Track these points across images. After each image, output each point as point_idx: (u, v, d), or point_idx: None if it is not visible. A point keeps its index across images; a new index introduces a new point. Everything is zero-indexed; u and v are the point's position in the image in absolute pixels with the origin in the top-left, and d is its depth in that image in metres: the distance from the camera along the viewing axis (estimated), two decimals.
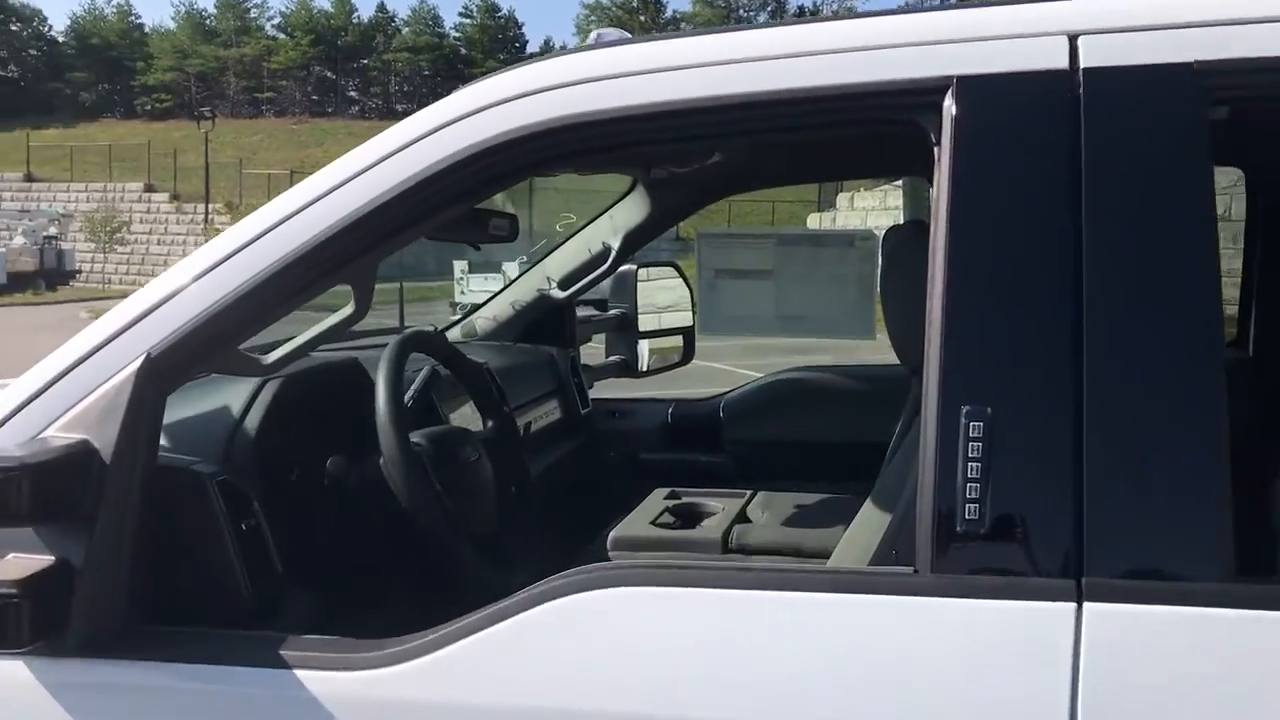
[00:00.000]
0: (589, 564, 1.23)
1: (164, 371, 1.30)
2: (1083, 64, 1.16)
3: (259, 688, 1.21)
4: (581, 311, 3.17)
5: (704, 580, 1.17)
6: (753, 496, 2.44)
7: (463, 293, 18.46)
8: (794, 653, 1.11)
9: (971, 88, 1.17)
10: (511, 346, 2.95)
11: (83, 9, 78.05)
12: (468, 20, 79.07)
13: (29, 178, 43.87)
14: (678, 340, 3.27)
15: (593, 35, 1.45)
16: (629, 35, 1.45)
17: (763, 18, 65.22)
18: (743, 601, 1.14)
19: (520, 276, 3.11)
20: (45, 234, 35.28)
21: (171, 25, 77.69)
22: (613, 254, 2.86)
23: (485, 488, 1.92)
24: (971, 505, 1.09)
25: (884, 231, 1.91)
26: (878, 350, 1.78)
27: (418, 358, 2.09)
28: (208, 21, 77.03)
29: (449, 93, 1.37)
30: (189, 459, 1.49)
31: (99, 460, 1.25)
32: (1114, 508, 1.08)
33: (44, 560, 1.23)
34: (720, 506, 2.37)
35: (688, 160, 2.48)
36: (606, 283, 3.11)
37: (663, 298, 3.26)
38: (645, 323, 3.18)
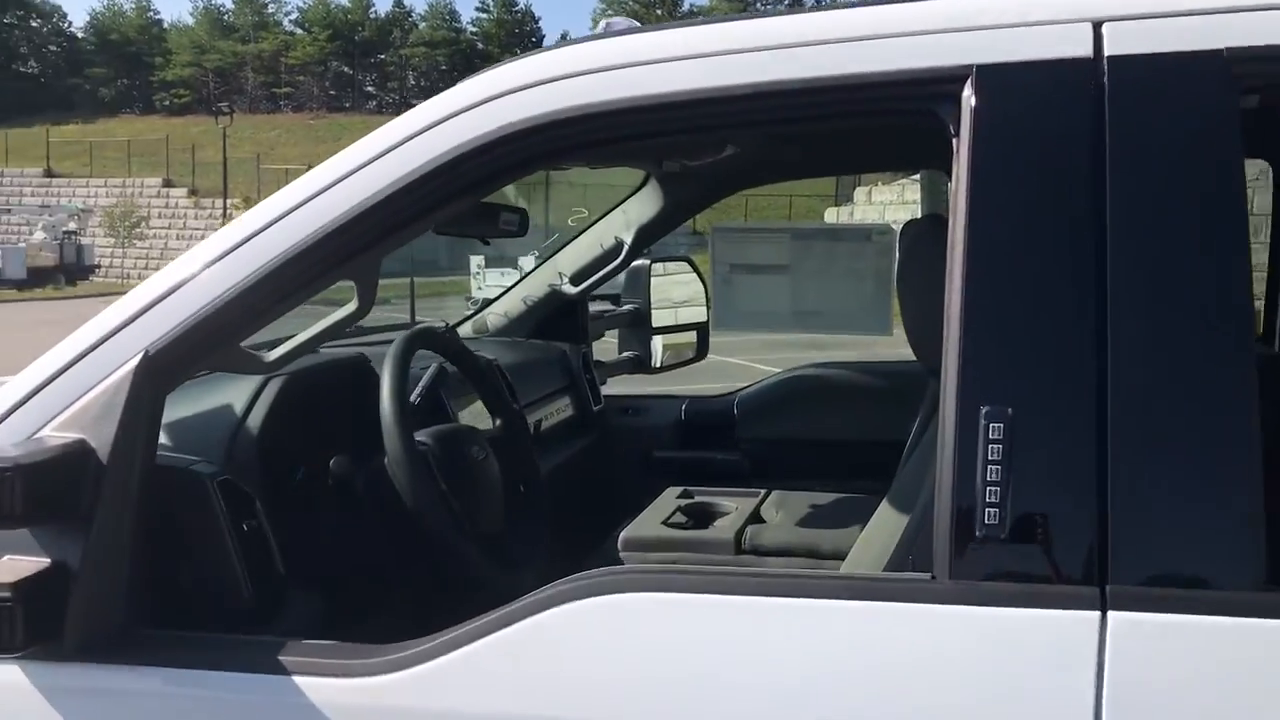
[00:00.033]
0: (599, 565, 1.20)
1: (162, 369, 1.27)
2: (1108, 51, 1.11)
3: (256, 694, 1.19)
4: (595, 307, 3.14)
5: (715, 586, 1.13)
6: (767, 496, 2.41)
7: (479, 288, 18.45)
8: (807, 661, 1.08)
9: (991, 77, 1.13)
10: (523, 343, 2.92)
11: (102, 5, 78.62)
12: (484, 15, 79.22)
13: (49, 173, 44.21)
14: (692, 336, 3.24)
15: (602, 24, 1.41)
16: (638, 24, 1.41)
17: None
18: (754, 608, 1.11)
19: (532, 272, 3.08)
20: (65, 229, 35.52)
21: (190, 21, 78.27)
22: (625, 249, 2.82)
23: (493, 487, 1.88)
24: (991, 509, 1.05)
25: (901, 226, 1.87)
26: (900, 345, 1.74)
27: (427, 354, 2.06)
28: (226, 17, 77.42)
29: None
30: (189, 458, 1.47)
31: (96, 460, 1.23)
32: (1140, 512, 1.04)
33: (39, 562, 1.21)
34: (734, 506, 2.34)
35: (700, 153, 2.44)
36: (620, 278, 3.07)
37: (677, 293, 3.22)
38: (659, 318, 3.15)
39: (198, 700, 1.20)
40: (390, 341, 1.91)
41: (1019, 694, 1.03)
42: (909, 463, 1.80)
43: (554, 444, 2.67)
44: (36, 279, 31.30)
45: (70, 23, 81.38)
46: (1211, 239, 1.07)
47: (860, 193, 26.54)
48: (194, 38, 74.12)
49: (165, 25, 78.65)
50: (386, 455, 1.70)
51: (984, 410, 1.06)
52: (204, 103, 63.55)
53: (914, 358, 1.72)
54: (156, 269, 1.44)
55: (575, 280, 2.90)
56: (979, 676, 1.04)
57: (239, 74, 71.62)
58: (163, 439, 1.53)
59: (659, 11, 69.64)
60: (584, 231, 2.98)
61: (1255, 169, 2.44)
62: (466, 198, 1.35)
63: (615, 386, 3.18)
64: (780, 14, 1.27)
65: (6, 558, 1.22)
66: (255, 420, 1.70)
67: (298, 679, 1.17)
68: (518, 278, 3.21)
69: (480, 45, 76.54)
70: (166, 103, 68.44)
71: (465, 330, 3.01)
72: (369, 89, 77.44)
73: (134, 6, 78.34)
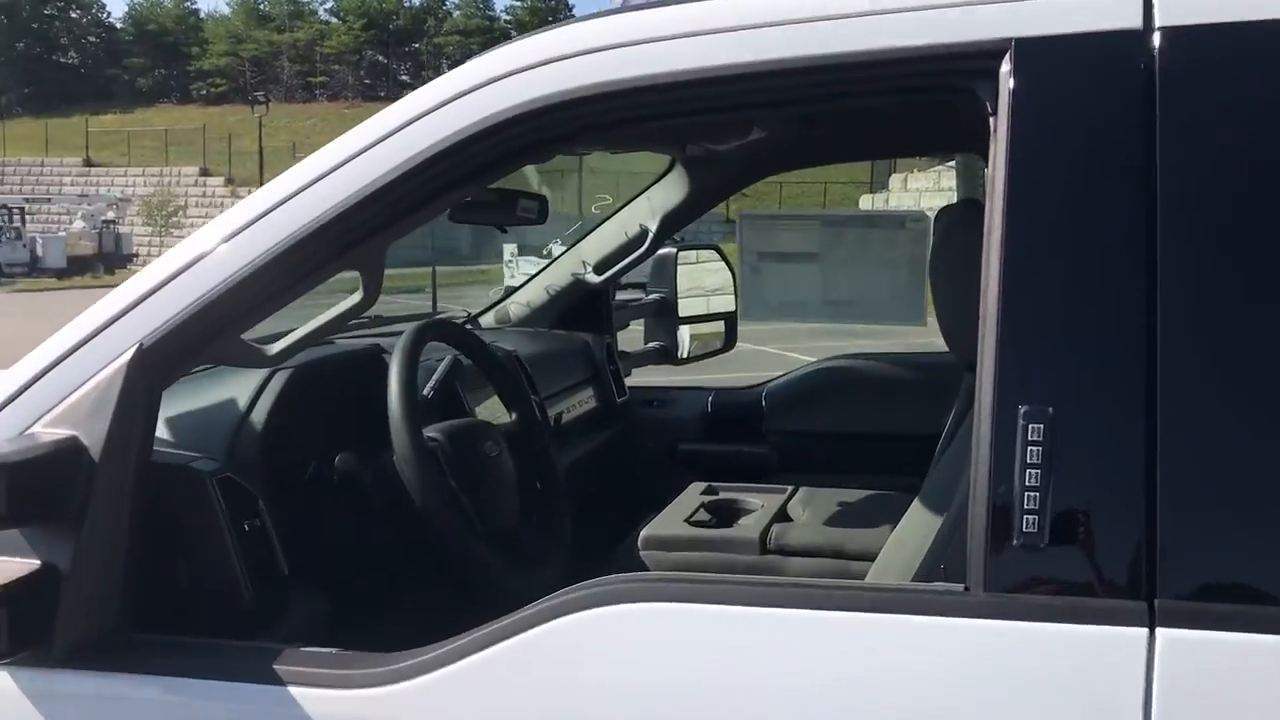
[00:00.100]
0: (620, 564, 1.13)
1: (158, 363, 1.23)
2: (1159, 22, 1.03)
3: (252, 705, 1.15)
4: (622, 295, 3.08)
5: (731, 597, 1.07)
6: (794, 493, 2.34)
7: (513, 276, 18.42)
8: (830, 679, 1.02)
9: (1031, 51, 1.05)
10: (545, 333, 2.86)
11: None
12: (518, 3, 79.16)
13: (88, 162, 44.73)
14: (719, 326, 3.16)
15: None
16: None
17: None
18: (775, 621, 1.04)
19: (555, 260, 3.02)
20: (104, 218, 35.91)
21: (226, 11, 78.82)
22: (650, 237, 2.75)
23: (506, 484, 1.82)
24: (1030, 516, 0.98)
25: (936, 212, 1.79)
26: (935, 335, 1.65)
27: (444, 346, 2.00)
28: (262, 6, 77.87)
29: None
30: (188, 455, 1.42)
31: (88, 458, 1.19)
32: (1191, 520, 0.97)
33: (29, 564, 1.17)
34: (759, 503, 2.27)
35: (726, 136, 2.36)
36: (647, 266, 3.00)
37: (704, 282, 3.15)
38: (686, 308, 3.08)
39: (190, 710, 1.16)
40: None
41: (1057, 717, 0.96)
42: (941, 461, 1.73)
43: (576, 437, 2.61)
44: (76, 267, 31.67)
45: (109, 13, 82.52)
46: (1273, 225, 0.99)
47: (896, 180, 26.31)
48: (230, 27, 74.66)
49: (202, 15, 79.35)
50: (394, 452, 1.64)
51: (1023, 409, 0.99)
52: (240, 92, 63.96)
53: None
54: None
55: (599, 269, 2.84)
56: (1014, 698, 0.97)
57: (275, 63, 72.06)
58: (164, 434, 1.48)
59: None
60: (608, 219, 2.92)
61: None
62: (476, 182, 1.29)
63: (640, 377, 3.12)
64: None
65: None
66: (259, 415, 1.65)
67: (294, 689, 1.13)
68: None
69: (514, 33, 76.20)
70: (203, 92, 69.00)
71: (488, 320, 2.96)
72: (403, 78, 77.62)
73: None
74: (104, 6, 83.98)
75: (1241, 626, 0.94)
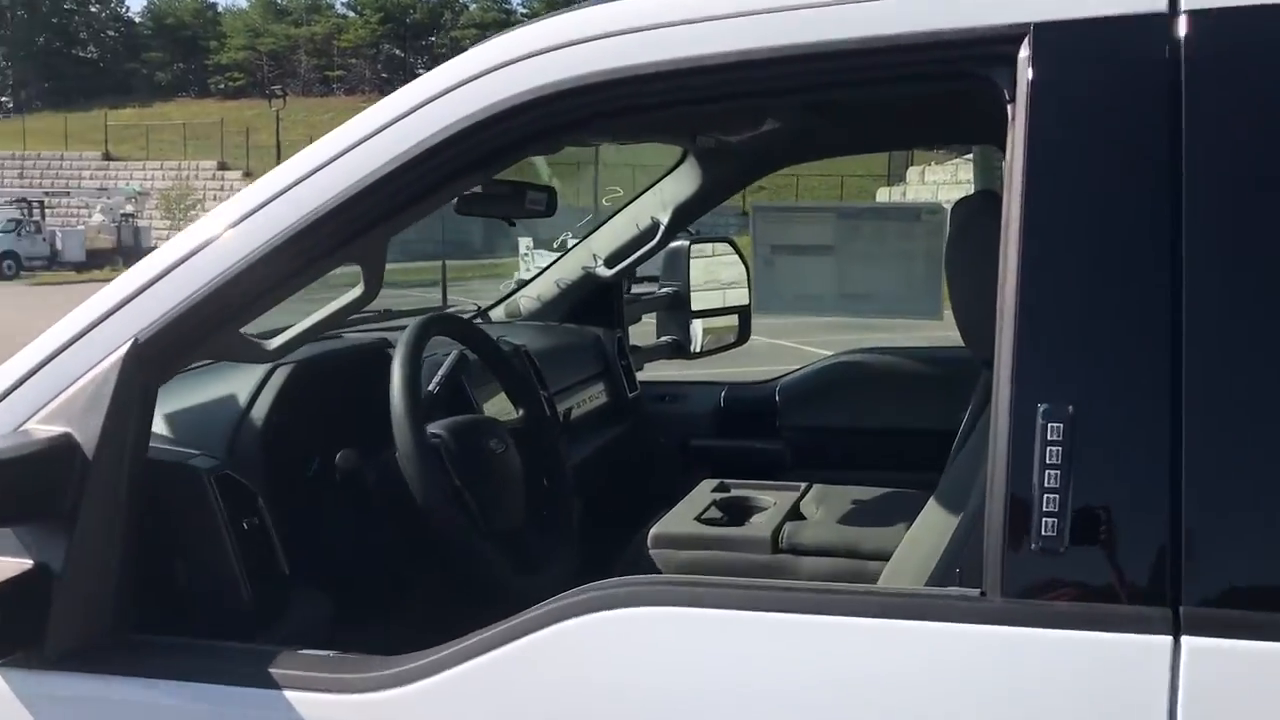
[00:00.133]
0: (630, 562, 1.10)
1: (154, 358, 1.20)
2: (1184, 6, 0.99)
3: (247, 709, 1.12)
4: (636, 289, 3.04)
5: (738, 602, 1.03)
6: (807, 490, 2.31)
7: (528, 270, 18.39)
8: (840, 687, 0.98)
9: (1050, 36, 1.01)
10: (555, 327, 2.83)
11: None
12: None
13: (107, 156, 45.01)
14: (733, 320, 3.13)
15: None
16: None
17: None
18: (783, 627, 1.01)
19: (566, 254, 2.99)
20: (122, 212, 36.17)
21: (244, 4, 79.11)
22: (661, 229, 2.71)
23: (512, 482, 1.79)
24: (1049, 519, 0.94)
25: (952, 204, 1.75)
26: (952, 328, 1.61)
27: (450, 341, 1.97)
28: (279, 1, 78.00)
29: None
30: (186, 452, 1.40)
31: (81, 455, 1.16)
32: (1218, 523, 0.93)
33: (20, 564, 1.15)
34: (772, 501, 2.24)
35: (738, 127, 2.32)
36: (659, 259, 2.97)
37: (717, 275, 3.11)
38: (699, 301, 3.04)
39: (182, 715, 1.14)
40: None
41: None
42: (958, 459, 1.69)
43: (586, 433, 2.58)
44: (95, 261, 31.89)
45: (128, 8, 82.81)
46: None
47: (913, 172, 26.21)
48: (248, 21, 74.93)
49: (220, 9, 79.71)
50: (396, 449, 1.61)
51: (1042, 408, 0.95)
52: (258, 86, 64.15)
53: None
54: None
55: (610, 262, 2.80)
56: (1031, 709, 0.93)
57: (292, 57, 72.24)
58: (163, 430, 1.46)
59: None
60: (619, 211, 2.88)
61: None
62: (480, 173, 1.26)
63: (652, 372, 3.08)
64: None
65: None
66: (261, 411, 1.63)
67: (295, 694, 1.10)
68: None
69: None
70: (221, 86, 69.28)
71: (498, 314, 2.93)
72: (420, 71, 77.54)
73: None
74: (123, 1, 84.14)
75: (1271, 635, 0.90)
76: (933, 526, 1.54)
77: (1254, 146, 0.96)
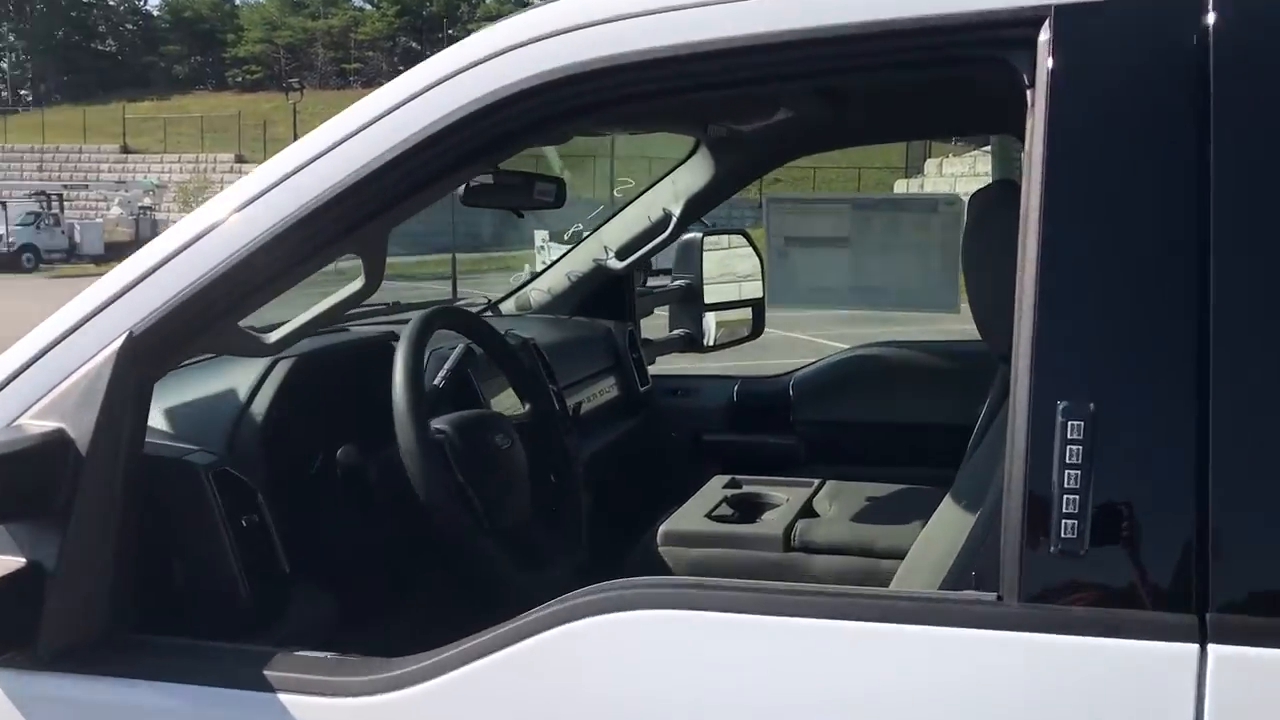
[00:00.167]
0: (638, 559, 1.07)
1: (149, 352, 1.17)
2: None
3: (245, 712, 1.09)
4: (651, 281, 3.01)
5: (749, 606, 1.00)
6: (820, 487, 2.27)
7: (544, 262, 18.35)
8: (850, 694, 0.95)
9: (1072, 18, 0.97)
10: (566, 320, 2.80)
11: None
12: None
13: (125, 149, 45.20)
14: (747, 313, 3.09)
15: None
16: None
17: None
18: (793, 631, 0.98)
19: (576, 246, 2.95)
20: (140, 204, 36.34)
21: None
22: (673, 221, 2.68)
23: (518, 478, 1.76)
24: (1069, 521, 0.91)
25: (970, 195, 1.71)
26: (970, 322, 1.57)
27: (456, 335, 1.94)
28: None
29: None
30: (183, 447, 1.37)
31: (75, 451, 1.13)
32: (1246, 527, 0.90)
33: (13, 562, 1.13)
34: (784, 497, 2.20)
35: (750, 115, 2.27)
36: (672, 251, 2.93)
37: (731, 267, 3.07)
38: (712, 294, 3.01)
39: (178, 717, 1.11)
40: None
41: None
42: (974, 456, 1.65)
43: (596, 427, 2.55)
44: (113, 253, 31.98)
45: (146, 1, 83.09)
46: None
47: (931, 164, 26.04)
48: (265, 14, 75.15)
49: (237, 2, 79.96)
50: (398, 445, 1.58)
51: (1061, 405, 0.92)
52: (275, 79, 64.38)
53: None
54: None
55: (621, 254, 2.77)
56: (1051, 717, 0.89)
57: (309, 50, 72.40)
58: (162, 426, 1.44)
59: None
60: (630, 203, 2.85)
61: None
62: (482, 162, 1.23)
63: (664, 365, 3.05)
64: None
65: None
66: (261, 406, 1.60)
67: (292, 697, 1.08)
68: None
69: None
70: (239, 79, 69.49)
71: (508, 307, 2.90)
72: None
73: None
74: None
75: None
76: (948, 525, 1.50)
77: None
